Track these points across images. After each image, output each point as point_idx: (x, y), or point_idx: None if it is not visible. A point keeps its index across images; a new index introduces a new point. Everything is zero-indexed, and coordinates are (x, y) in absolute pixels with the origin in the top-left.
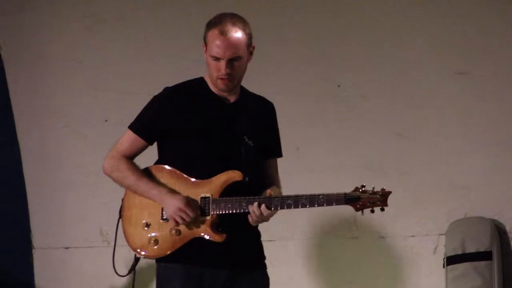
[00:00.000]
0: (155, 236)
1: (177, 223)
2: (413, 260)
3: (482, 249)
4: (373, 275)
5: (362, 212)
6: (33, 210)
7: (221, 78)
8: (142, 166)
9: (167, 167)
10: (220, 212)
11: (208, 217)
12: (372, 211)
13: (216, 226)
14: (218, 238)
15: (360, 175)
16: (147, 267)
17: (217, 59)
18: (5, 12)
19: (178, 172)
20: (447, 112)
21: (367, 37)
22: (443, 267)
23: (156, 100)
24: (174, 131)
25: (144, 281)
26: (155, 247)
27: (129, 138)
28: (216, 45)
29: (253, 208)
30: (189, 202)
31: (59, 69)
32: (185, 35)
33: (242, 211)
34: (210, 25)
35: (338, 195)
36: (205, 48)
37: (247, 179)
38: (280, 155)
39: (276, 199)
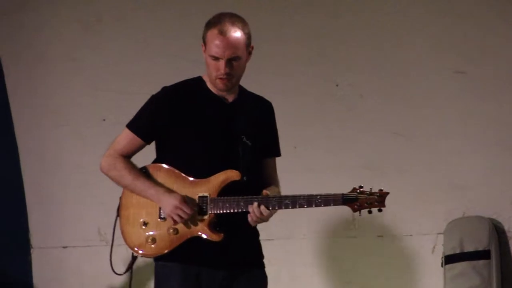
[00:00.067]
0: (152, 235)
1: (175, 222)
2: (411, 259)
3: (480, 248)
4: (371, 274)
5: (360, 213)
6: (31, 210)
7: (220, 78)
8: (140, 165)
9: (164, 166)
10: (218, 212)
11: (205, 217)
12: (370, 212)
13: (214, 225)
14: (215, 237)
15: (359, 174)
16: (144, 266)
17: (216, 58)
18: (4, 12)
19: (176, 171)
20: (446, 111)
21: (366, 37)
22: (442, 266)
23: (154, 99)
24: (172, 130)
25: (142, 280)
26: (153, 246)
27: (126, 137)
28: (215, 45)
29: (253, 209)
30: (185, 199)
31: (58, 69)
32: (185, 35)
33: (240, 210)
34: (209, 24)
35: (335, 195)
36: (204, 47)
37: (245, 178)
38: (279, 155)
39: (274, 199)
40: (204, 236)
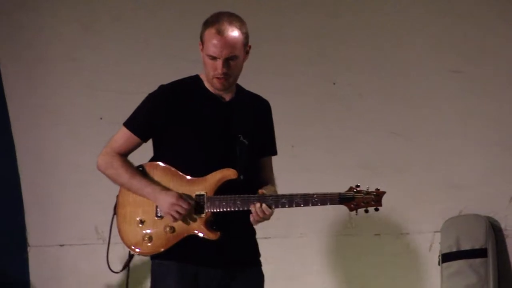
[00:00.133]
0: (149, 233)
1: (174, 219)
2: (408, 258)
3: (477, 247)
4: (368, 272)
5: (356, 212)
6: (28, 208)
7: (217, 77)
8: (137, 163)
9: (161, 164)
10: (215, 210)
11: (202, 215)
12: (366, 211)
13: (211, 224)
14: (212, 236)
15: (356, 173)
16: (141, 264)
17: (213, 58)
18: (4, 11)
19: (172, 169)
20: (444, 111)
21: (366, 37)
22: (438, 264)
23: (151, 97)
24: (169, 129)
25: (138, 278)
26: (149, 244)
27: (123, 135)
28: (212, 44)
29: (255, 208)
30: (181, 195)
31: (57, 69)
32: (184, 35)
33: (236, 209)
34: (207, 24)
35: (332, 195)
36: (201, 46)
37: (242, 177)
38: (275, 154)
39: (271, 198)
40: (200, 234)
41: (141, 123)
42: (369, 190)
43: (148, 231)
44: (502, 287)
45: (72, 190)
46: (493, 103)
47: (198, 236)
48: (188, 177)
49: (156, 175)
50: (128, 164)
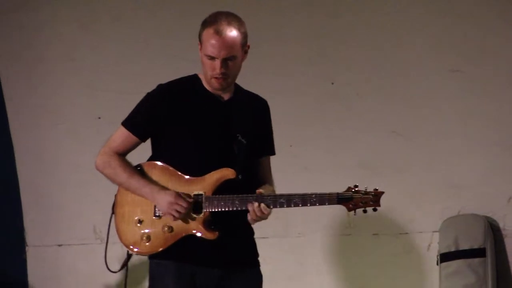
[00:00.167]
0: (147, 232)
1: (174, 218)
2: (407, 258)
3: (475, 246)
4: (367, 272)
5: (355, 212)
6: (27, 208)
7: (216, 77)
8: (136, 162)
9: (159, 163)
10: (213, 210)
11: (200, 215)
12: (365, 211)
13: (209, 223)
14: (210, 235)
15: (355, 173)
16: (139, 264)
17: (211, 58)
18: (3, 11)
19: (171, 169)
20: (444, 111)
21: (366, 37)
22: (437, 264)
23: (149, 97)
24: (167, 128)
25: (137, 278)
26: (147, 243)
27: (121, 135)
28: (211, 45)
29: (253, 208)
30: (180, 194)
31: (56, 69)
32: (184, 35)
33: (235, 209)
34: (206, 23)
35: (330, 195)
36: (200, 46)
37: (240, 177)
38: (273, 153)
39: (269, 197)
40: (199, 234)
41: (139, 122)
42: (368, 190)
43: (146, 230)
44: (500, 287)
45: (70, 190)
46: (493, 103)
47: (196, 236)
48: (187, 177)
49: (154, 175)
50: (126, 164)
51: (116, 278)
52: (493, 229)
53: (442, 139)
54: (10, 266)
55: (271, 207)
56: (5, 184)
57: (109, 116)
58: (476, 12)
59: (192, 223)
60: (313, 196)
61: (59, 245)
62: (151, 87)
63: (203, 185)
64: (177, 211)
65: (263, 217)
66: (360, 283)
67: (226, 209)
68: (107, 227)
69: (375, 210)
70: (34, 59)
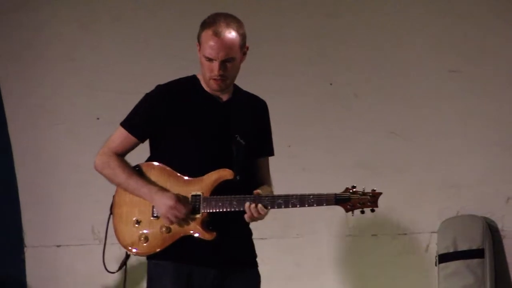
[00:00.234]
0: (145, 233)
1: (170, 222)
2: (405, 258)
3: (474, 247)
4: (365, 273)
5: (353, 213)
6: (25, 208)
7: (214, 79)
8: (134, 163)
9: (158, 164)
10: (211, 211)
11: (198, 215)
12: (362, 212)
13: (207, 224)
14: (208, 236)
15: (354, 173)
16: (138, 264)
17: (210, 59)
18: (3, 11)
19: (169, 169)
20: (443, 111)
21: (365, 37)
22: (435, 265)
23: (148, 97)
24: (166, 129)
25: (135, 279)
26: (145, 244)
27: (120, 135)
28: (209, 46)
29: (251, 208)
30: (179, 198)
31: (56, 69)
32: (183, 35)
33: (232, 209)
34: (204, 25)
35: (328, 195)
36: (198, 47)
37: (238, 177)
38: (272, 154)
39: (267, 198)
40: (196, 235)
41: (138, 123)
42: (365, 191)
43: (144, 231)
44: None
45: (69, 190)
46: (492, 103)
47: (194, 236)
48: (185, 177)
49: (153, 175)
50: (125, 164)
51: (114, 279)
52: (492, 230)
53: (441, 140)
54: (8, 267)
55: (269, 207)
56: (3, 184)
57: (108, 117)
58: (476, 12)
59: (190, 224)
60: (311, 196)
61: (58, 246)
62: (150, 87)
63: (201, 186)
64: (176, 216)
65: (260, 217)
66: (358, 284)
67: (224, 210)
68: (105, 228)
69: (373, 211)
70: (33, 59)
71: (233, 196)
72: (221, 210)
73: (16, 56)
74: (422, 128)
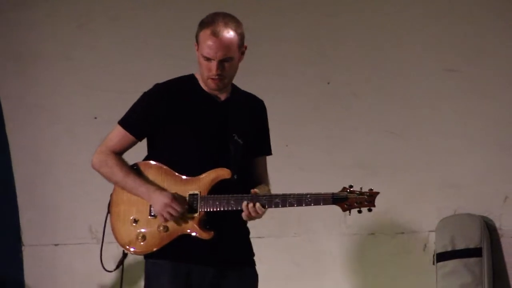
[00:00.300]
0: (143, 232)
1: (165, 220)
2: (402, 257)
3: (472, 246)
4: (363, 272)
5: (350, 212)
6: (23, 208)
7: (212, 78)
8: (132, 162)
9: (155, 163)
10: (208, 210)
11: (196, 214)
12: (359, 212)
13: (204, 223)
14: (205, 235)
15: (351, 172)
16: (135, 263)
17: (208, 59)
18: (0, 10)
19: (166, 168)
20: (441, 111)
21: (365, 37)
22: (433, 264)
23: (146, 96)
24: (163, 127)
25: (133, 278)
26: (143, 243)
27: (118, 134)
28: (207, 46)
29: (248, 207)
30: (176, 197)
31: (52, 68)
32: (181, 34)
33: (230, 209)
34: (203, 24)
35: (325, 195)
36: (197, 46)
37: (235, 177)
38: (270, 154)
39: (264, 197)
40: (194, 234)
41: (136, 121)
42: (362, 191)
43: (142, 230)
44: (496, 287)
45: (67, 189)
46: (491, 103)
47: (191, 235)
48: (182, 177)
49: (150, 174)
50: (123, 163)
51: (112, 277)
52: (489, 229)
53: (440, 139)
54: (6, 266)
55: (266, 207)
56: (1, 183)
57: (106, 116)
58: (476, 12)
59: (188, 223)
60: (308, 196)
61: (56, 245)
62: (148, 86)
63: (198, 185)
64: (170, 214)
65: (257, 216)
66: (356, 283)
67: (221, 209)
68: (103, 227)
69: (370, 210)
70: (31, 58)
71: (230, 195)
72: (218, 209)
73: (13, 56)
74: (421, 127)
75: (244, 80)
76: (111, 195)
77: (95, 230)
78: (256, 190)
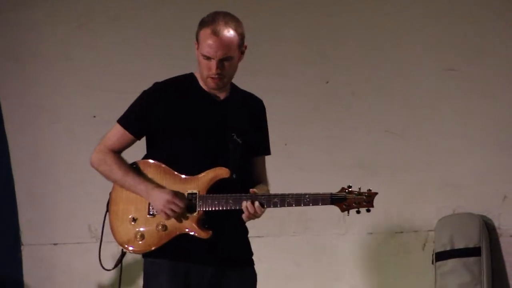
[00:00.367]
0: (141, 231)
1: (167, 216)
2: (402, 256)
3: (471, 245)
4: (361, 271)
5: (348, 212)
6: (22, 207)
7: (212, 77)
8: (131, 160)
9: (154, 162)
10: (207, 209)
11: (194, 214)
12: (358, 212)
13: (203, 222)
14: (204, 234)
15: (350, 172)
16: (134, 262)
17: (208, 58)
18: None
19: (165, 167)
20: (441, 111)
21: (364, 37)
22: (432, 263)
23: (145, 95)
24: (163, 126)
25: (131, 277)
26: (141, 242)
27: (117, 133)
28: (207, 45)
29: (247, 206)
30: (176, 193)
31: (52, 68)
32: (180, 34)
33: (228, 208)
34: (203, 23)
35: (324, 195)
36: (196, 45)
37: (234, 176)
38: (269, 153)
39: (263, 197)
40: (192, 233)
41: (134, 120)
42: (361, 191)
43: (140, 229)
44: (495, 286)
45: (66, 189)
46: (491, 103)
47: (190, 235)
48: (181, 175)
49: (149, 173)
50: (122, 161)
51: (111, 277)
52: (488, 228)
53: (438, 139)
54: (5, 265)
55: (265, 206)
56: (0, 183)
57: (106, 116)
58: (476, 12)
59: (186, 222)
60: (307, 196)
61: (55, 244)
62: (147, 86)
63: (197, 184)
64: (172, 210)
65: (256, 216)
66: (356, 282)
67: (220, 208)
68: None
69: (368, 211)
70: (30, 58)
71: (229, 194)
72: (217, 208)
73: (13, 55)
74: (421, 127)
75: (244, 80)
76: (110, 194)
77: (94, 230)
78: (254, 189)
